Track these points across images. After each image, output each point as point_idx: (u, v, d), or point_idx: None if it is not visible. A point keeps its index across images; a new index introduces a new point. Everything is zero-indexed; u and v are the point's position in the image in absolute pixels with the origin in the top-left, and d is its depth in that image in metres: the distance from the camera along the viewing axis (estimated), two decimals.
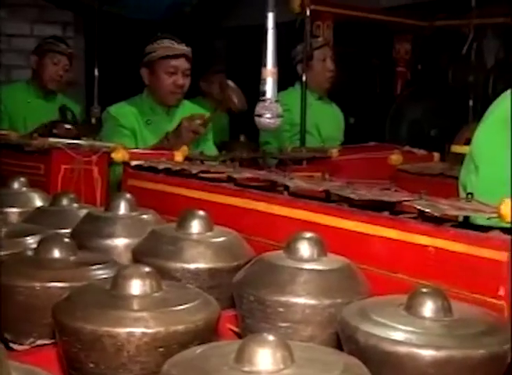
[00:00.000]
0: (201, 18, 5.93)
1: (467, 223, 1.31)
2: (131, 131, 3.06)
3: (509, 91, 1.88)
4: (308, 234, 1.20)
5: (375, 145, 3.26)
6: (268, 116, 1.53)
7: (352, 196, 1.34)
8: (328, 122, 3.88)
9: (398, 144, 3.65)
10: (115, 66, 5.31)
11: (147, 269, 1.05)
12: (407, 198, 1.30)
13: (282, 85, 3.78)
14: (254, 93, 3.84)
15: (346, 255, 1.36)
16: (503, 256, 1.15)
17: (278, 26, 3.74)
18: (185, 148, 2.13)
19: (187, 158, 2.17)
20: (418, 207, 1.24)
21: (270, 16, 1.52)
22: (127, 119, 3.07)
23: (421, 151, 3.14)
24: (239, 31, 6.64)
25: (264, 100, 1.53)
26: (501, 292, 1.15)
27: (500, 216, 1.14)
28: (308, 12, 3.51)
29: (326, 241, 1.41)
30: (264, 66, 1.51)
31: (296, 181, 1.50)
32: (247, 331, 1.16)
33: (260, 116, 1.53)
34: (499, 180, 1.68)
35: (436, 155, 3.07)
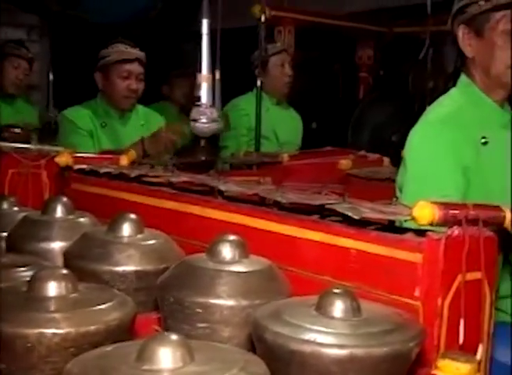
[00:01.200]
0: (170, 22, 5.94)
1: (392, 226, 1.34)
2: (88, 133, 3.07)
3: (441, 98, 1.93)
4: (230, 237, 1.22)
5: (329, 150, 3.29)
6: (204, 120, 1.55)
7: (279, 199, 1.37)
8: (285, 127, 3.91)
9: (360, 149, 3.68)
10: (77, 69, 5.31)
11: (63, 271, 1.07)
12: (330, 202, 1.33)
13: (245, 89, 3.83)
14: (224, 95, 3.87)
15: (274, 258, 1.39)
16: (417, 258, 1.18)
17: (246, 29, 3.75)
18: (132, 152, 2.15)
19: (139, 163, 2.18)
20: (339, 210, 1.26)
21: (204, 23, 1.55)
22: (83, 121, 3.09)
23: (375, 156, 3.17)
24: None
25: (199, 105, 1.55)
26: (417, 293, 1.18)
27: (414, 219, 1.17)
28: (263, 18, 3.54)
29: (256, 244, 1.44)
30: (200, 71, 1.53)
31: (230, 185, 1.52)
32: (168, 332, 1.18)
33: (195, 120, 1.55)
34: (423, 182, 1.72)
35: (386, 159, 3.11)
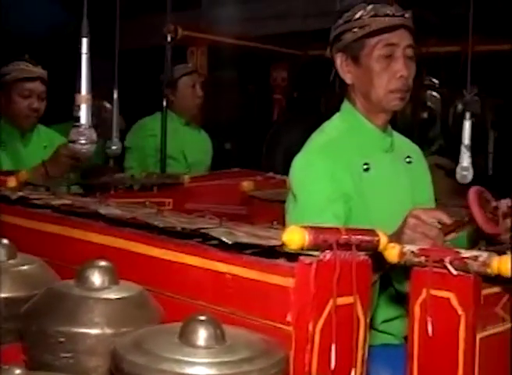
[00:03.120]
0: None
1: (270, 250, 1.33)
2: None
3: (325, 124, 1.94)
4: (99, 262, 1.19)
5: (236, 172, 3.28)
6: (82, 142, 1.51)
7: (156, 223, 1.34)
8: (194, 147, 3.89)
9: (274, 169, 3.69)
10: None
11: None
12: (206, 226, 1.31)
13: (156, 109, 3.79)
14: (140, 112, 3.82)
15: (152, 283, 1.37)
16: (289, 282, 1.17)
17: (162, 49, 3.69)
18: (23, 172, 2.09)
19: (30, 184, 2.13)
20: (214, 234, 1.25)
21: (84, 42, 1.51)
22: None
23: (281, 178, 3.17)
24: (127, 53, 6.62)
25: (78, 126, 1.52)
26: (289, 318, 1.17)
27: (284, 244, 1.17)
28: (169, 38, 3.52)
29: (135, 269, 1.41)
30: (79, 91, 1.50)
31: (111, 209, 1.49)
32: (32, 362, 1.14)
33: (74, 142, 1.52)
34: (303, 210, 1.73)
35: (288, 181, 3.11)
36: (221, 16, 5.37)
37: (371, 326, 1.76)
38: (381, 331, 1.77)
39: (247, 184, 2.83)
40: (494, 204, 1.50)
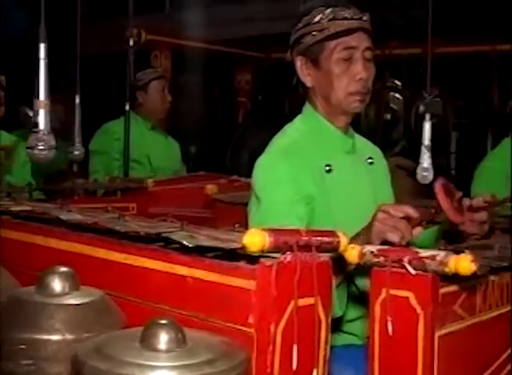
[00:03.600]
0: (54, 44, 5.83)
1: (231, 253, 1.34)
2: None
3: (286, 126, 1.95)
4: (59, 268, 1.19)
5: (201, 175, 3.29)
6: (41, 147, 1.50)
7: (118, 228, 1.34)
8: (160, 152, 3.88)
9: (239, 172, 3.70)
10: None
11: None
12: (168, 230, 1.31)
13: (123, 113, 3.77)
14: (104, 117, 3.79)
15: (115, 288, 1.36)
16: (251, 285, 1.18)
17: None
18: None
19: None
20: (175, 238, 1.25)
21: (42, 47, 1.50)
22: None
23: (245, 181, 3.18)
24: (91, 58, 6.59)
25: (36, 132, 1.51)
26: (250, 320, 1.18)
27: (244, 247, 1.17)
28: (132, 42, 3.51)
29: (97, 274, 1.41)
30: (37, 97, 1.49)
31: (72, 214, 1.48)
32: None
33: (32, 148, 1.51)
34: (266, 212, 1.74)
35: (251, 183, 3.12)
36: (185, 19, 5.37)
37: (335, 326, 1.79)
38: (344, 332, 1.79)
39: (210, 188, 2.83)
40: (458, 195, 1.53)
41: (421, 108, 4.88)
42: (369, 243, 1.46)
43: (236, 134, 4.93)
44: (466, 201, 1.62)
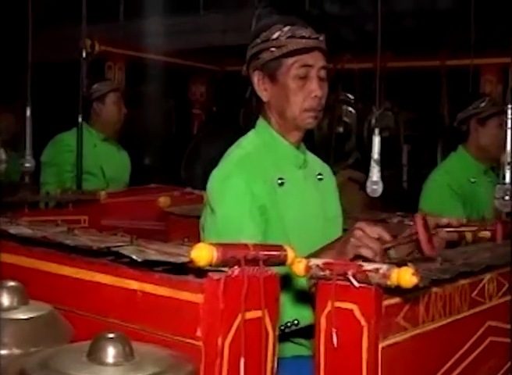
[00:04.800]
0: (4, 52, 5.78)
1: (181, 267, 1.35)
2: None
3: (241, 139, 1.98)
4: (7, 283, 1.19)
5: (154, 187, 3.29)
6: None
7: (68, 242, 1.35)
8: (113, 163, 3.87)
9: (193, 184, 3.71)
10: None
11: None
12: (117, 244, 1.32)
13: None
14: (57, 128, 3.76)
15: (64, 301, 1.37)
16: (199, 298, 1.20)
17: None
18: None
19: None
20: (124, 252, 1.26)
21: None
22: None
23: (199, 193, 3.19)
24: (43, 67, 6.55)
25: None
26: (198, 333, 1.20)
27: (192, 261, 1.19)
28: (84, 54, 3.51)
29: (47, 288, 1.41)
30: None
31: (21, 228, 1.48)
32: None
33: None
34: (223, 224, 1.76)
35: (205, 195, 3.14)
36: (139, 29, 5.37)
37: (285, 337, 1.82)
38: (295, 343, 1.82)
39: (163, 200, 2.84)
40: (433, 231, 1.60)
41: (373, 121, 4.96)
42: (342, 255, 1.54)
43: (190, 146, 4.94)
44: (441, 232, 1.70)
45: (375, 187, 2.61)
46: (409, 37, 6.50)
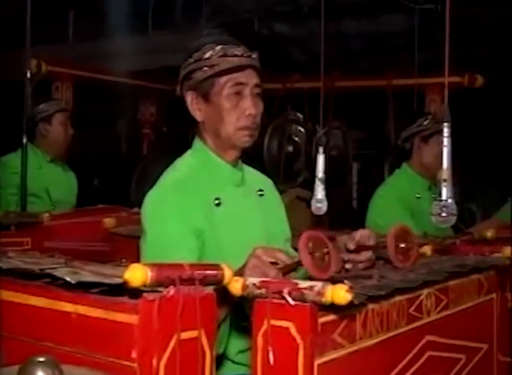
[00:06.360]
0: None
1: (117, 288, 1.34)
2: None
3: (177, 160, 1.97)
4: None
5: (101, 208, 3.26)
6: None
7: (0, 265, 1.33)
8: (59, 185, 3.83)
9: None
10: None
11: None
12: (52, 266, 1.31)
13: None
14: (1, 149, 3.70)
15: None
16: (134, 319, 1.19)
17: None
18: None
19: None
20: (57, 275, 1.25)
21: None
22: None
23: None
24: None
25: None
26: (133, 355, 1.19)
27: (126, 282, 1.18)
28: (29, 74, 3.48)
29: None
30: None
31: None
32: None
33: None
34: (158, 248, 1.75)
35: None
36: (89, 50, 5.34)
37: (227, 357, 1.81)
38: (236, 363, 1.81)
39: (108, 221, 2.82)
40: (325, 250, 1.51)
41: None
42: None
43: (139, 166, 4.91)
44: (348, 244, 1.69)
45: (319, 205, 2.64)
46: (357, 57, 6.60)
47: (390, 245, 1.66)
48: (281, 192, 2.22)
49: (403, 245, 1.69)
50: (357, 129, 6.34)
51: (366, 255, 1.73)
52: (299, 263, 1.50)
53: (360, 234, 1.73)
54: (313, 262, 1.45)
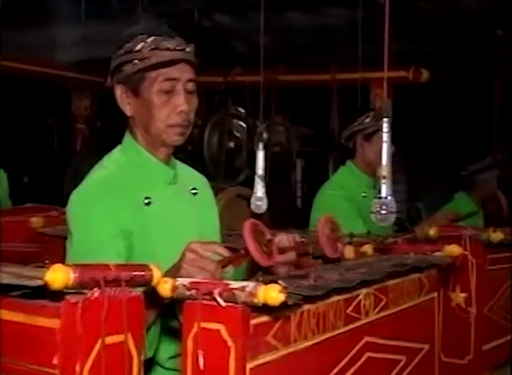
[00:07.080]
0: None
1: (40, 290, 1.26)
2: None
3: (105, 157, 1.89)
4: None
5: (29, 207, 3.14)
6: None
7: None
8: None
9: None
10: None
11: None
12: None
13: None
14: None
15: None
16: (55, 323, 1.12)
17: None
18: None
19: None
20: None
21: None
22: None
23: None
24: None
25: None
26: (55, 361, 1.12)
27: (47, 283, 1.11)
28: None
29: None
30: None
31: None
32: None
33: None
34: (83, 249, 1.68)
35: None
36: (19, 41, 5.13)
37: (157, 362, 1.74)
38: (167, 368, 1.74)
39: (35, 220, 2.70)
40: (268, 237, 1.53)
41: (264, 136, 4.94)
42: None
43: (73, 163, 4.73)
44: (276, 242, 1.64)
45: (259, 203, 2.59)
46: (301, 51, 6.57)
47: (322, 234, 1.64)
48: (221, 190, 2.16)
49: (333, 235, 1.69)
50: (301, 125, 6.29)
51: (285, 257, 1.69)
52: (240, 255, 1.48)
53: (278, 238, 1.68)
54: (258, 247, 1.43)
